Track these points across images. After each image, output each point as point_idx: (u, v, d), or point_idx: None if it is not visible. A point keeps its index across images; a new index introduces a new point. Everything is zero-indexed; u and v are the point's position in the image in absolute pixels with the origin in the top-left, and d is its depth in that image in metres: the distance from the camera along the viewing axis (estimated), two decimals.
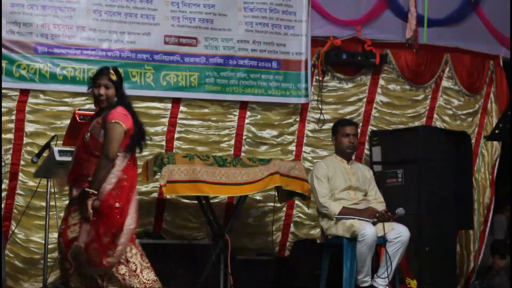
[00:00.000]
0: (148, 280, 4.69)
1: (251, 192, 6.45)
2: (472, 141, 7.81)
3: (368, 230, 5.76)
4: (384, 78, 7.80)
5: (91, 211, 4.55)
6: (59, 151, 5.66)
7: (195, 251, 6.63)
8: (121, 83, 4.80)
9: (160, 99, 6.96)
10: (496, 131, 6.62)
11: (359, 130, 6.85)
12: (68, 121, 5.96)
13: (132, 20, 6.81)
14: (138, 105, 6.85)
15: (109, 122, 4.62)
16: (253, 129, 7.33)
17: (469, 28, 8.07)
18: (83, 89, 6.55)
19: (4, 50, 6.40)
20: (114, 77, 4.74)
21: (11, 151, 6.54)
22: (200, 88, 7.02)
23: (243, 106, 7.27)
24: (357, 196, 6.19)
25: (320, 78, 7.51)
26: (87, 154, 4.66)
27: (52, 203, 6.04)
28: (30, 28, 6.52)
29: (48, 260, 6.13)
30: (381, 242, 5.89)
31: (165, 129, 7.01)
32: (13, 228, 6.47)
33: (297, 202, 7.34)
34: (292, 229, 7.46)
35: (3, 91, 6.40)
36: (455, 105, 8.11)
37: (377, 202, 6.22)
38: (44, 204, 6.18)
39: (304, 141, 7.53)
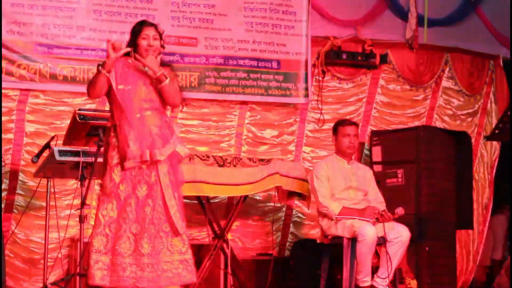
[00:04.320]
0: None
1: (251, 192, 6.46)
2: (472, 141, 7.82)
3: (368, 230, 5.76)
4: (384, 78, 7.80)
5: None
6: (59, 151, 5.65)
7: (195, 251, 6.62)
8: (162, 38, 4.80)
9: None
10: (496, 131, 6.62)
11: (359, 130, 6.85)
12: (68, 121, 5.95)
13: (132, 20, 6.78)
14: None
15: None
16: (253, 129, 7.34)
17: (469, 28, 8.07)
18: (83, 89, 6.57)
19: (4, 50, 6.40)
20: (160, 29, 4.76)
21: (11, 151, 6.55)
22: (200, 88, 7.03)
23: (243, 106, 7.27)
24: (357, 196, 6.19)
25: (320, 78, 7.51)
26: (158, 107, 4.72)
27: (52, 203, 6.03)
28: (30, 28, 6.52)
29: (48, 260, 6.13)
30: (381, 242, 5.89)
31: None
32: (13, 228, 6.47)
33: (297, 202, 7.34)
34: (292, 229, 7.46)
35: (3, 91, 6.40)
36: (455, 105, 8.12)
37: (377, 202, 6.22)
38: (44, 204, 6.17)
39: (304, 141, 7.53)
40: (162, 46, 4.79)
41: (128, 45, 4.73)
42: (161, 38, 4.77)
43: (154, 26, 4.76)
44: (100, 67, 4.59)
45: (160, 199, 4.63)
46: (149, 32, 4.71)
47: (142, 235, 4.59)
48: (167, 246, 4.65)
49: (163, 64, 4.77)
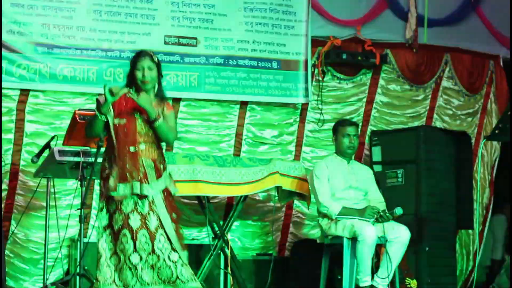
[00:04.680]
0: None
1: (251, 192, 6.46)
2: (472, 141, 7.81)
3: (368, 230, 5.76)
4: (384, 78, 7.80)
5: None
6: (59, 151, 5.66)
7: (195, 251, 6.63)
8: (160, 67, 4.81)
9: None
10: (496, 131, 6.61)
11: (359, 130, 6.85)
12: (68, 121, 5.96)
13: (132, 20, 6.81)
14: None
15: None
16: (253, 129, 7.33)
17: (469, 28, 8.07)
18: (83, 89, 6.61)
19: (4, 50, 6.39)
20: (155, 59, 4.78)
21: (11, 151, 6.54)
22: (200, 88, 7.02)
23: (243, 106, 7.27)
24: (357, 196, 6.18)
25: (320, 78, 7.51)
26: (153, 141, 4.73)
27: (52, 203, 6.03)
28: (30, 28, 6.52)
29: (48, 260, 6.13)
30: (381, 242, 5.89)
31: None
32: (13, 228, 6.46)
33: (297, 202, 7.34)
34: (291, 229, 7.46)
35: (3, 91, 6.40)
36: (455, 105, 8.12)
37: (377, 202, 6.22)
38: (44, 204, 6.17)
39: (304, 141, 7.53)
40: (161, 75, 4.81)
41: (128, 76, 4.80)
42: (158, 67, 4.78)
43: (149, 56, 4.77)
44: (97, 113, 4.65)
45: (161, 228, 4.66)
46: (144, 63, 4.74)
47: (143, 265, 4.61)
48: (177, 275, 4.66)
49: (161, 97, 4.80)
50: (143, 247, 4.61)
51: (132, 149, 4.67)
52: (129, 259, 4.62)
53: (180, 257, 4.69)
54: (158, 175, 4.70)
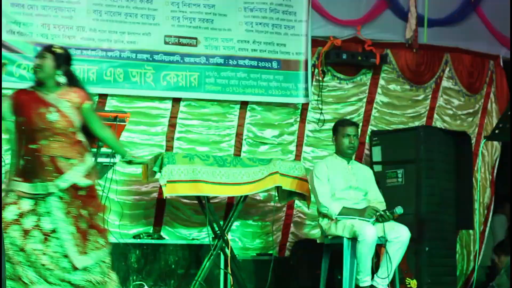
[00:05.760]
0: None
1: (251, 192, 6.46)
2: (472, 141, 7.81)
3: (368, 230, 5.76)
4: (384, 78, 7.80)
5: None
6: None
7: (195, 251, 6.63)
8: (65, 59, 4.65)
9: (160, 99, 6.97)
10: (496, 131, 6.61)
11: (359, 130, 6.85)
12: None
13: (132, 20, 6.81)
14: (138, 105, 6.87)
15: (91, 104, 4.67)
16: (253, 129, 7.34)
17: (469, 28, 8.07)
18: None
19: (4, 50, 6.39)
20: (56, 50, 4.64)
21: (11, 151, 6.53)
22: (200, 88, 7.03)
23: (243, 106, 7.27)
24: (357, 196, 6.18)
25: (320, 78, 7.51)
26: (60, 135, 4.55)
27: None
28: (30, 28, 6.52)
29: None
30: (381, 242, 5.89)
31: (165, 129, 7.02)
32: None
33: (297, 202, 7.34)
34: (292, 229, 7.46)
35: (3, 91, 6.38)
36: (455, 105, 8.12)
37: (377, 202, 6.22)
38: None
39: (304, 141, 7.53)
40: (58, 65, 4.63)
41: None
42: (57, 57, 4.61)
43: (47, 47, 4.69)
44: None
45: (55, 233, 4.48)
46: (39, 54, 4.71)
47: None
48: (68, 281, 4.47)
49: (72, 85, 4.70)
50: (37, 248, 4.43)
51: (33, 146, 4.54)
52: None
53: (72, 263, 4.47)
54: (57, 172, 4.51)
